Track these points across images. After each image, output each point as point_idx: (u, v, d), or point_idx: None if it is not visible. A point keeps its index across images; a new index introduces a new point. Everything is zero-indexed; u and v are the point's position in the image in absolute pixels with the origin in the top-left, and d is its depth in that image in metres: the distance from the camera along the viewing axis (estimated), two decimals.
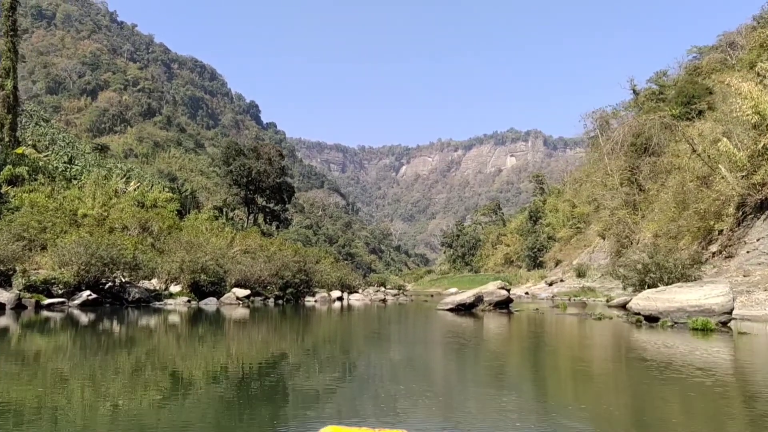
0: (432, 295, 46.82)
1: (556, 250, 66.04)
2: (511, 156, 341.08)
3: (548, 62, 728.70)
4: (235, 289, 21.62)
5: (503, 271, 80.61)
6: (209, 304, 19.76)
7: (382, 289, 43.36)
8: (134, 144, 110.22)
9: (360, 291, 34.08)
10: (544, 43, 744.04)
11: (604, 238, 51.12)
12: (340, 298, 27.95)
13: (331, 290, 28.84)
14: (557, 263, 63.90)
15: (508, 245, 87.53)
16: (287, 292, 24.74)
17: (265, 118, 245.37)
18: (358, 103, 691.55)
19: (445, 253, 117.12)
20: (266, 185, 53.22)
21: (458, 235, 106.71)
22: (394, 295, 36.93)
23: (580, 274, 47.06)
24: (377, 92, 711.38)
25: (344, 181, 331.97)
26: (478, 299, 17.80)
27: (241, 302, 20.78)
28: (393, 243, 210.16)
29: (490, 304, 18.13)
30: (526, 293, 46.08)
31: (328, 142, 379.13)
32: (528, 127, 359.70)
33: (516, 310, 19.53)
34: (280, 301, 23.75)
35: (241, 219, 60.35)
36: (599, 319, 15.88)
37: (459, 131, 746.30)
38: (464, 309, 17.89)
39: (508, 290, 19.78)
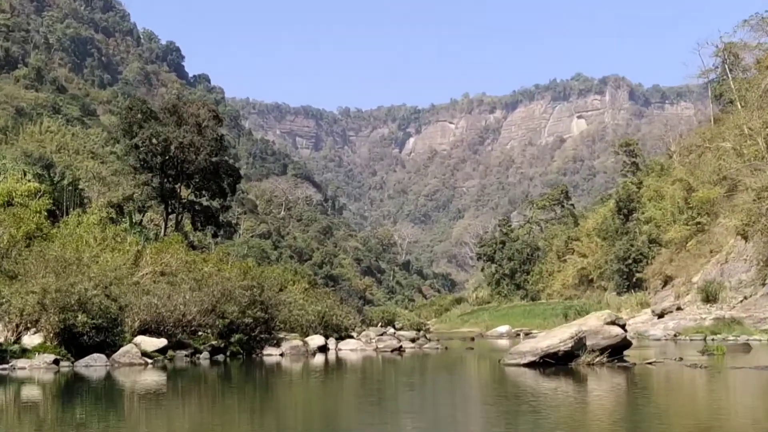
0: (473, 338, 45.49)
1: (664, 260, 66.64)
2: (579, 117, 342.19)
3: None
4: (139, 338, 20.82)
5: (577, 297, 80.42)
6: (93, 365, 18.65)
7: (391, 330, 42.89)
8: None
9: (355, 334, 33.63)
10: None
11: (745, 239, 50.19)
12: (324, 348, 27.74)
13: (307, 334, 28.53)
14: (666, 281, 64.56)
15: (584, 255, 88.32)
16: (232, 340, 24.16)
17: (191, 70, 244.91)
18: (338, 43, 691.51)
19: (482, 270, 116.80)
20: (195, 167, 52.59)
21: (503, 242, 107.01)
22: (412, 339, 36.21)
23: (710, 297, 47.18)
24: (370, 20, 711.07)
25: (319, 162, 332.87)
26: (579, 343, 15.84)
27: (150, 361, 19.89)
28: (398, 258, 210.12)
29: (596, 351, 16.14)
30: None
31: (292, 105, 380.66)
32: (604, 72, 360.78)
33: (647, 362, 17.72)
34: (221, 357, 23.23)
35: (155, 223, 59.36)
36: None
37: (496, 82, 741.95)
38: (555, 362, 16.27)
39: (623, 326, 18.00)
